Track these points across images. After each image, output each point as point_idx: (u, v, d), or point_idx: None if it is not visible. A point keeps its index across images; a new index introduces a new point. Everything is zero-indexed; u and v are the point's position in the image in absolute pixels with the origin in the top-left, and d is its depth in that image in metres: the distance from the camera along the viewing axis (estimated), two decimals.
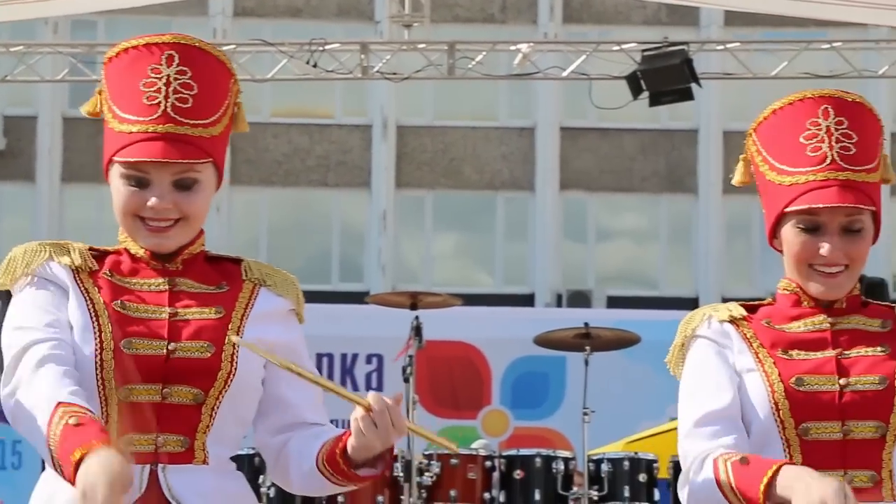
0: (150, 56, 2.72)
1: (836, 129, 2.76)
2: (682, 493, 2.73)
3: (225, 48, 10.97)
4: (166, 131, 2.66)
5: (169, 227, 2.69)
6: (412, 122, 23.17)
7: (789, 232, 2.76)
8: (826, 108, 2.77)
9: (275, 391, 2.76)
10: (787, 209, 2.75)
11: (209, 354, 2.67)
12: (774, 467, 2.58)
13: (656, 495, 7.60)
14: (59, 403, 2.50)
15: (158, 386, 2.65)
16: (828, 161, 2.73)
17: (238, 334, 2.70)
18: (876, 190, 2.78)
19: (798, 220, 2.75)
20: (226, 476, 2.71)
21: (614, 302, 21.23)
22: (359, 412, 2.57)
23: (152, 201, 2.67)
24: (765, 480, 2.57)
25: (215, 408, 2.67)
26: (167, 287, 2.73)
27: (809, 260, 2.75)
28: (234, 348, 2.68)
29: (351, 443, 2.60)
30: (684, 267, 22.91)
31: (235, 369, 2.68)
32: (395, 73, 10.61)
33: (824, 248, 2.73)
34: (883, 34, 13.70)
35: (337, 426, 2.78)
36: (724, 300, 3.14)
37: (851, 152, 2.74)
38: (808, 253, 2.75)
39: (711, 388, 2.75)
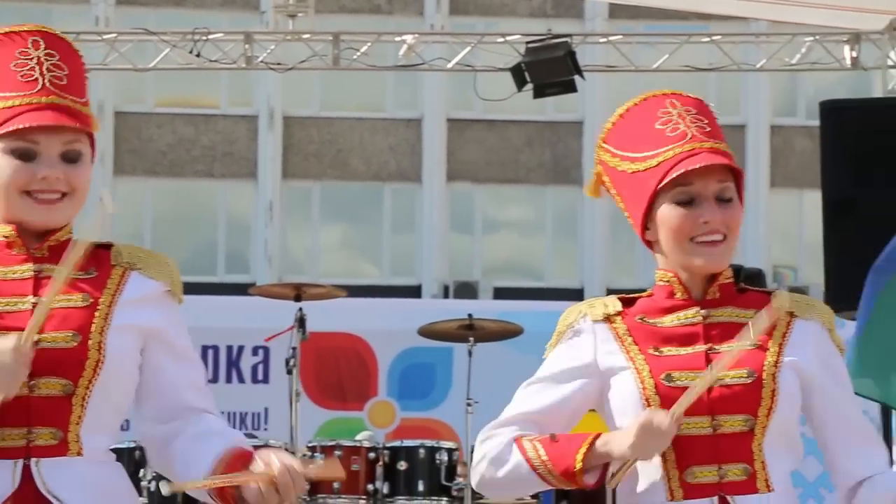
0: (15, 42, 2.70)
1: (687, 114, 2.82)
2: (475, 480, 2.78)
3: (106, 37, 10.82)
4: (51, 101, 2.65)
5: (57, 199, 2.65)
6: (299, 112, 23.06)
7: (666, 211, 2.77)
8: (672, 100, 2.83)
9: (152, 376, 2.71)
10: (662, 184, 2.76)
11: (75, 344, 2.61)
12: (592, 436, 2.67)
13: None
14: None
15: (25, 379, 2.58)
16: (689, 136, 2.78)
17: (106, 321, 2.64)
18: (739, 173, 2.82)
19: (673, 195, 2.76)
20: (103, 467, 2.66)
21: (501, 293, 21.35)
22: (263, 484, 2.55)
23: (44, 171, 2.63)
24: (583, 449, 2.64)
25: (86, 398, 2.61)
26: (33, 273, 2.67)
27: (691, 232, 2.76)
28: (102, 335, 2.63)
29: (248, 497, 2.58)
30: (569, 258, 23.10)
31: (104, 358, 2.62)
32: (279, 64, 10.54)
33: (704, 216, 2.74)
34: (762, 28, 13.94)
35: (227, 419, 2.73)
36: (609, 292, 3.16)
37: (708, 130, 2.80)
38: (689, 225, 2.75)
39: (538, 393, 2.81)
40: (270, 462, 2.55)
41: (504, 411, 2.84)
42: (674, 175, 2.74)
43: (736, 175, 2.79)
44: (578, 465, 2.64)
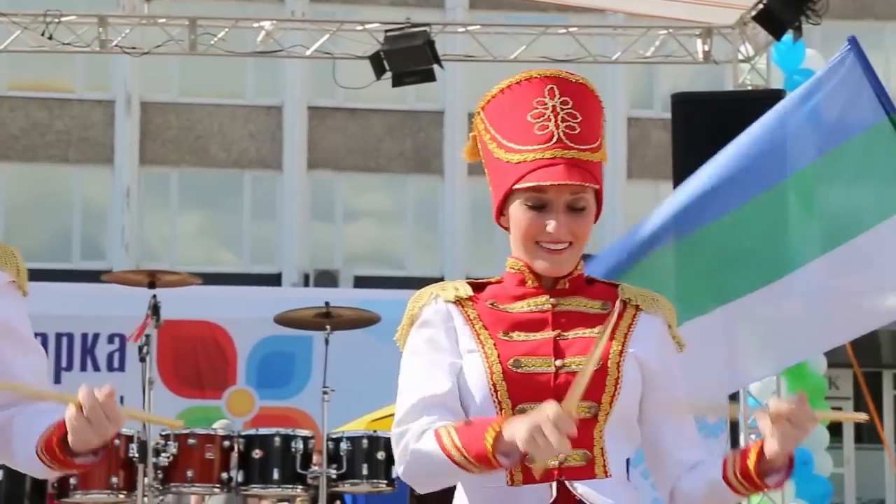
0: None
1: (562, 109, 2.82)
2: (400, 470, 2.76)
3: None
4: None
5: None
6: (157, 98, 22.75)
7: (517, 209, 2.80)
8: (552, 87, 2.83)
9: None
10: (516, 186, 2.79)
11: None
12: (502, 418, 2.64)
13: (394, 473, 7.67)
14: None
15: None
16: (554, 140, 2.78)
17: None
18: (598, 169, 2.84)
19: (526, 197, 2.79)
20: None
21: (361, 282, 21.32)
22: (71, 410, 2.54)
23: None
24: (492, 432, 2.58)
25: None
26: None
27: (536, 237, 2.79)
28: None
29: (69, 437, 2.58)
30: (430, 247, 23.17)
31: None
32: (134, 48, 10.39)
33: (550, 226, 2.77)
34: (619, 20, 14.12)
35: None
36: None
37: (576, 131, 2.80)
38: (535, 230, 2.79)
39: (428, 374, 2.77)
40: (83, 393, 2.56)
41: (401, 398, 2.79)
42: (527, 184, 2.77)
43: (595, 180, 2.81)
44: (489, 447, 2.58)
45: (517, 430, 2.54)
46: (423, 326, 2.81)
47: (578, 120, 2.82)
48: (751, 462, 2.70)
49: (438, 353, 2.78)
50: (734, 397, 9.17)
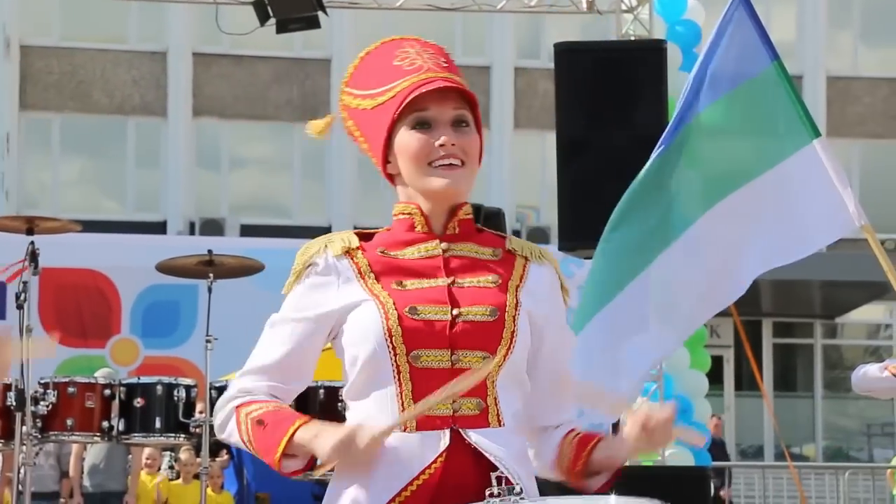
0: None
1: (425, 53, 2.86)
2: (222, 435, 2.83)
3: None
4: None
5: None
6: (37, 42, 22.31)
7: (403, 137, 2.79)
8: (412, 42, 2.88)
9: None
10: (398, 111, 2.78)
11: None
12: (294, 427, 2.69)
13: None
14: None
15: None
16: (425, 68, 2.82)
17: None
18: (475, 102, 2.85)
19: (410, 121, 2.79)
20: None
21: (247, 230, 21.19)
22: None
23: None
24: (283, 441, 2.67)
25: None
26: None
27: (428, 156, 2.78)
28: None
29: None
30: (317, 196, 23.08)
31: None
32: None
33: (440, 140, 2.77)
34: None
35: None
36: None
37: (445, 66, 2.85)
38: (426, 149, 2.78)
39: (276, 340, 2.82)
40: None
41: (252, 354, 2.83)
42: (409, 99, 2.77)
43: (472, 105, 2.83)
44: (276, 457, 2.69)
45: (322, 445, 2.64)
46: (303, 284, 2.82)
47: (443, 62, 2.86)
48: (585, 454, 2.81)
49: (305, 318, 2.81)
50: None
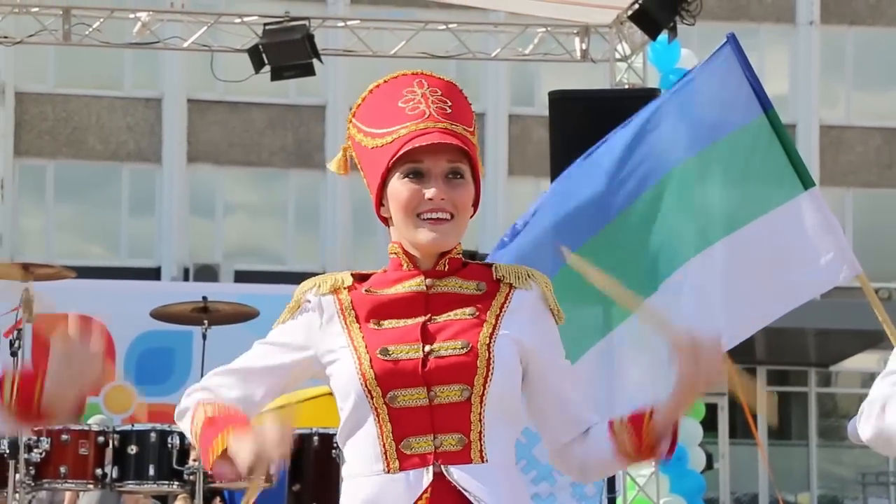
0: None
1: (432, 95, 2.85)
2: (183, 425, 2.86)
3: None
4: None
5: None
6: (32, 88, 22.38)
7: (396, 185, 2.80)
8: (420, 80, 2.86)
9: None
10: (392, 160, 2.79)
11: None
12: (232, 427, 2.72)
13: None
14: None
15: None
16: (427, 115, 2.81)
17: None
18: (474, 147, 2.86)
19: (403, 170, 2.79)
20: None
21: (242, 276, 21.19)
22: None
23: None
24: (220, 443, 2.69)
25: None
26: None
27: (417, 207, 2.79)
28: None
29: None
30: (311, 242, 23.10)
31: None
32: (6, 38, 10.22)
33: (430, 192, 2.77)
34: (500, 18, 14.21)
35: None
36: None
37: (448, 112, 2.84)
38: (415, 200, 2.78)
39: (262, 355, 2.88)
40: None
41: (235, 360, 2.90)
42: (403, 151, 2.78)
43: (470, 156, 2.83)
44: (213, 459, 2.71)
45: (240, 450, 2.66)
46: (291, 320, 2.86)
47: (449, 104, 2.86)
48: (645, 420, 2.76)
49: (284, 346, 2.86)
50: None
